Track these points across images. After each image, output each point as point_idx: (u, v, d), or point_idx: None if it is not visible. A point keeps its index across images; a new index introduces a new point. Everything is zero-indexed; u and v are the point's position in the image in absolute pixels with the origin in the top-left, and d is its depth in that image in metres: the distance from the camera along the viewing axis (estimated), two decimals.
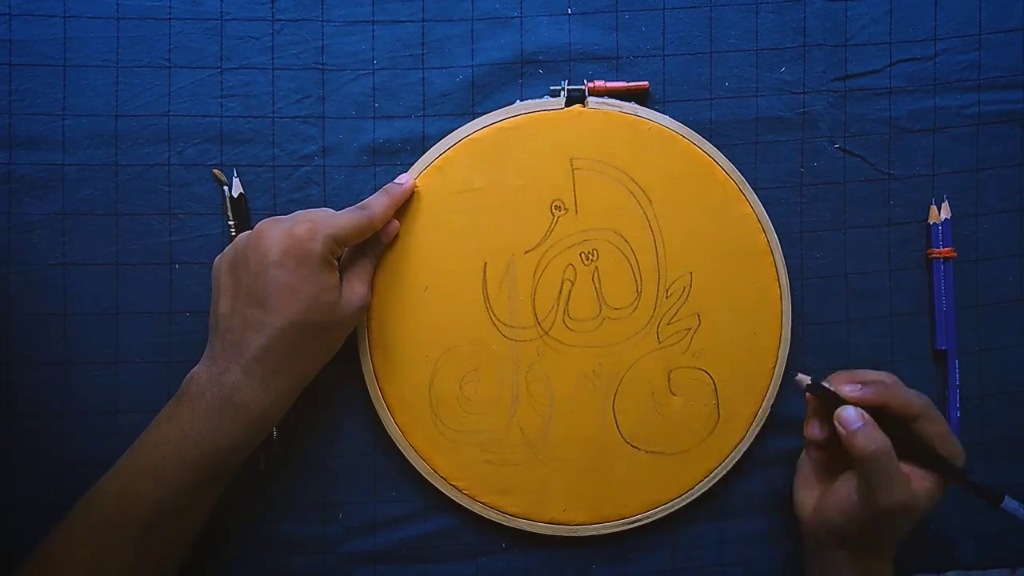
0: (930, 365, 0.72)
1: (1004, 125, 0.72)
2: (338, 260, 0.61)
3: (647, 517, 0.68)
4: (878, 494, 0.58)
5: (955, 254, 0.71)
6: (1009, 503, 0.58)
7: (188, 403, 0.58)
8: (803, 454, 0.67)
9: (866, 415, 0.60)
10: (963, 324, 0.72)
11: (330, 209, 0.63)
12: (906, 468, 0.60)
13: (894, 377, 0.63)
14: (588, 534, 0.68)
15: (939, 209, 0.71)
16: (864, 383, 0.62)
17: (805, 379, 0.63)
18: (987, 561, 0.72)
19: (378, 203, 0.64)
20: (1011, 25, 0.71)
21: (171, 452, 0.57)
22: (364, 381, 0.67)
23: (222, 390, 0.57)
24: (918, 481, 0.60)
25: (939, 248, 0.71)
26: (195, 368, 0.60)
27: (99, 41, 0.67)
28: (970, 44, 0.71)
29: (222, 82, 0.68)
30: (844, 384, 0.62)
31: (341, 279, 0.61)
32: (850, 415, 0.60)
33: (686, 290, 0.68)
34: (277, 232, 0.58)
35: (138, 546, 0.57)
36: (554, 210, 0.67)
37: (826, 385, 0.63)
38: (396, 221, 0.66)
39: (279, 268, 0.57)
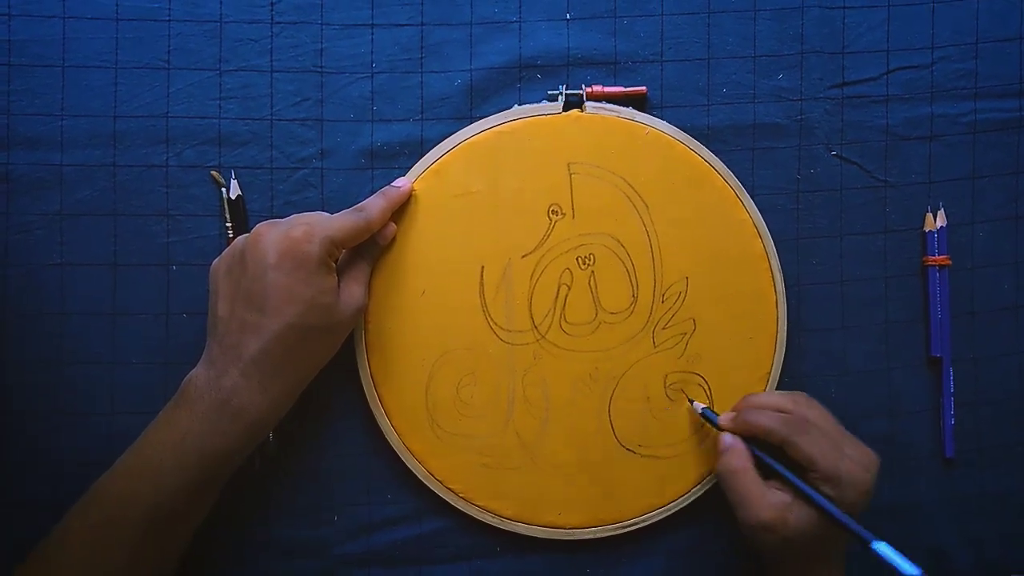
0: (925, 372, 0.72)
1: (1000, 133, 0.72)
2: (336, 263, 0.61)
3: (642, 521, 0.68)
4: (735, 511, 0.61)
5: (950, 262, 0.71)
6: (879, 546, 0.55)
7: (186, 406, 0.58)
8: None
9: (736, 440, 0.63)
10: (958, 332, 0.72)
11: (327, 213, 0.63)
12: (761, 491, 0.60)
13: (796, 399, 0.63)
14: (583, 538, 0.68)
15: (935, 217, 0.71)
16: (748, 409, 0.64)
17: (698, 406, 0.67)
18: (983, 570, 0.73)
19: (375, 206, 0.64)
20: (1008, 34, 0.72)
21: (169, 455, 0.57)
22: (361, 384, 0.67)
23: (220, 393, 0.57)
24: (788, 505, 0.59)
25: (935, 256, 0.71)
26: (193, 371, 0.60)
27: (98, 42, 0.67)
28: (967, 53, 0.71)
29: (221, 84, 0.68)
30: (734, 410, 0.65)
31: (339, 282, 0.61)
32: (722, 439, 0.64)
33: (682, 295, 0.68)
34: (274, 235, 0.58)
35: (135, 548, 0.57)
36: (551, 214, 0.67)
37: (707, 413, 0.66)
38: (393, 224, 0.66)
39: (276, 271, 0.57)
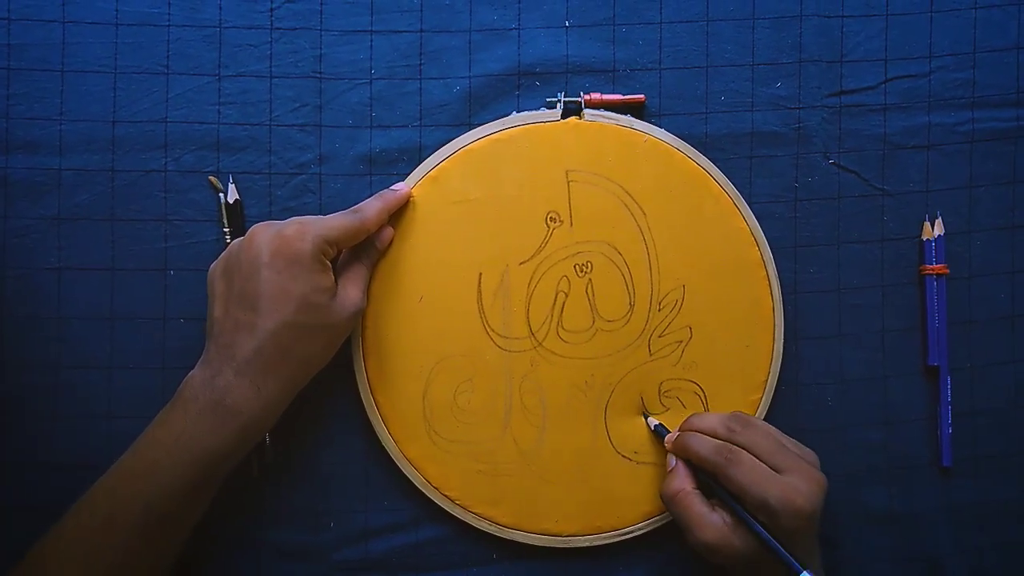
0: (922, 381, 0.72)
1: (997, 143, 0.72)
2: (333, 264, 0.61)
3: (639, 529, 0.68)
4: (682, 533, 0.61)
5: (948, 271, 0.71)
6: None
7: (181, 406, 0.58)
8: None
9: (679, 463, 0.64)
10: (955, 341, 0.72)
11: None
12: (704, 513, 0.60)
13: (731, 423, 0.63)
14: (580, 545, 0.68)
15: (932, 226, 0.71)
16: (685, 432, 0.65)
17: (652, 422, 0.68)
18: None
19: (371, 207, 0.64)
20: (1005, 44, 0.72)
21: (163, 455, 0.57)
22: (358, 390, 0.67)
23: (214, 393, 0.57)
24: (732, 527, 0.59)
25: (932, 264, 0.71)
26: (191, 372, 0.60)
27: (97, 47, 0.67)
28: (964, 62, 0.72)
29: (220, 89, 0.68)
30: (681, 431, 0.66)
31: (336, 283, 0.61)
32: (668, 459, 0.65)
33: (679, 303, 0.68)
34: (268, 234, 0.59)
35: (129, 549, 0.57)
36: (549, 222, 0.67)
37: (659, 430, 0.67)
38: (390, 228, 0.66)
39: (269, 269, 0.57)
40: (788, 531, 0.58)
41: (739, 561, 0.59)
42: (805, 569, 0.56)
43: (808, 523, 0.58)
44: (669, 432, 0.66)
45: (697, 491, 0.62)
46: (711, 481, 0.62)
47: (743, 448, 0.61)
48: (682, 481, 0.63)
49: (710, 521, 0.60)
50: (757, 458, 0.60)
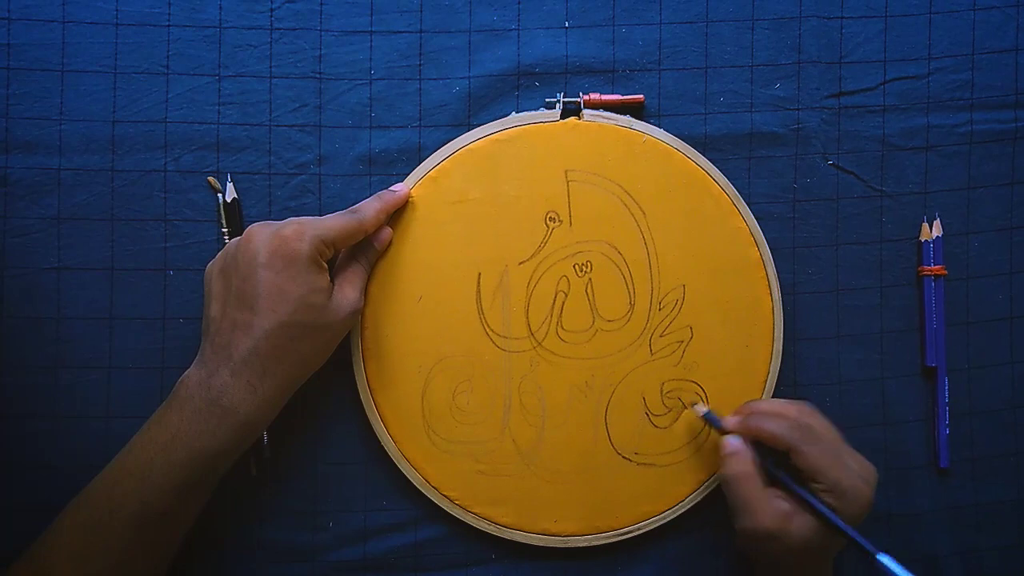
0: (920, 382, 0.72)
1: (996, 144, 0.72)
2: (330, 264, 0.62)
3: (638, 529, 0.68)
4: (735, 517, 0.61)
5: (946, 272, 0.71)
6: (883, 559, 0.56)
7: (177, 405, 0.58)
8: None
9: (741, 444, 0.62)
10: (953, 342, 0.72)
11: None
12: (763, 496, 0.60)
13: (801, 408, 0.63)
14: (579, 545, 0.68)
15: (931, 227, 0.71)
16: (755, 414, 0.63)
17: (700, 409, 0.67)
18: None
19: (369, 207, 0.64)
20: (1004, 46, 0.72)
21: (158, 454, 0.57)
22: (357, 390, 0.67)
23: (210, 393, 0.57)
24: (790, 514, 0.59)
25: (930, 266, 0.71)
26: (187, 371, 0.60)
27: (97, 47, 0.67)
28: (963, 64, 0.72)
29: (220, 89, 0.68)
30: (737, 415, 0.64)
31: (333, 283, 0.61)
32: (726, 442, 0.63)
33: (679, 303, 0.68)
34: (265, 234, 0.59)
35: (125, 548, 0.57)
36: (548, 222, 0.67)
37: (710, 416, 0.66)
38: (389, 228, 0.66)
39: (267, 269, 0.58)
40: (850, 517, 0.58)
41: (787, 552, 0.59)
42: (880, 551, 0.56)
43: (865, 512, 0.59)
44: (721, 418, 0.65)
45: (759, 475, 0.61)
46: (772, 467, 0.61)
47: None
48: (746, 464, 0.62)
49: (772, 506, 0.59)
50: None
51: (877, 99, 0.71)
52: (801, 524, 0.59)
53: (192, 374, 0.59)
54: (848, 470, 0.59)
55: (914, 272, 0.72)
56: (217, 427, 0.57)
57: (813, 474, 0.59)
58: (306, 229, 0.59)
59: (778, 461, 0.62)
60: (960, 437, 0.72)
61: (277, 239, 0.58)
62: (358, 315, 0.64)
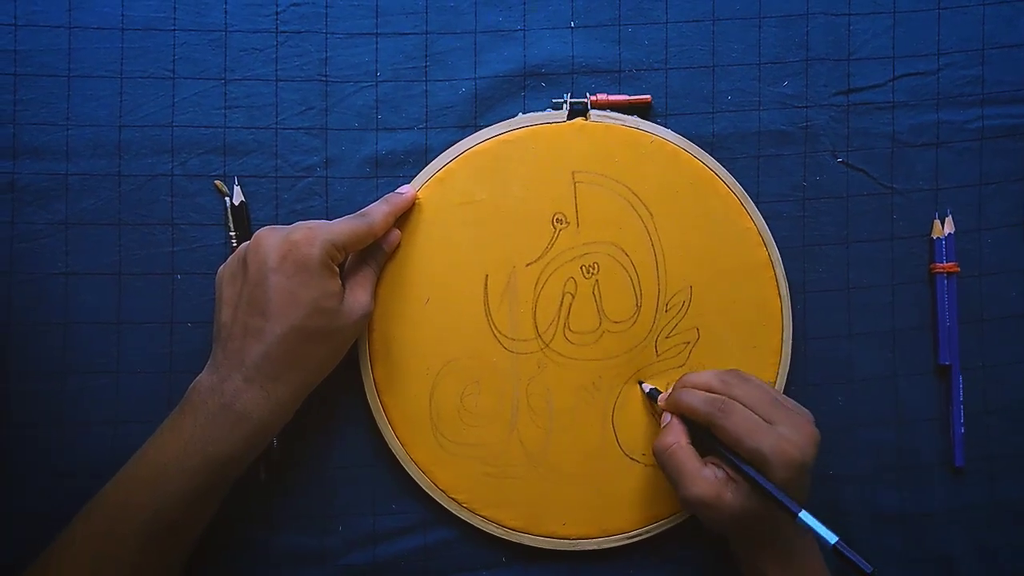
0: (933, 380, 0.72)
1: (1008, 140, 0.71)
2: (340, 268, 0.61)
3: (647, 531, 0.68)
4: (675, 488, 0.60)
5: (958, 269, 0.71)
6: (804, 516, 0.55)
7: (190, 412, 0.58)
8: None
9: (673, 419, 0.63)
10: (966, 339, 0.71)
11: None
12: (697, 468, 0.60)
13: (724, 378, 0.63)
14: (588, 548, 0.67)
15: (942, 224, 0.71)
16: (679, 388, 0.64)
17: (645, 387, 0.68)
18: None
19: (377, 211, 0.64)
20: (1015, 40, 0.71)
21: (171, 460, 0.57)
22: (365, 393, 0.67)
23: (223, 398, 0.57)
24: (724, 481, 0.59)
25: (942, 263, 0.70)
26: (198, 377, 0.60)
27: (103, 52, 0.67)
28: (974, 59, 0.71)
29: (226, 93, 0.68)
30: (677, 387, 0.65)
31: (344, 287, 0.61)
32: (662, 418, 0.64)
33: (686, 304, 0.67)
34: (275, 239, 0.59)
35: (138, 556, 0.57)
36: (555, 223, 0.67)
37: (652, 392, 0.67)
38: (397, 230, 0.66)
39: (278, 274, 0.57)
40: (781, 481, 0.57)
41: (729, 520, 0.59)
42: (803, 510, 0.56)
43: (800, 474, 0.58)
44: (650, 394, 0.66)
45: (690, 446, 0.61)
46: (705, 436, 0.61)
47: (737, 401, 0.61)
48: (676, 436, 0.62)
49: (702, 475, 0.59)
50: (751, 411, 0.60)
51: (886, 95, 0.71)
52: (736, 492, 0.58)
53: (204, 379, 0.59)
54: (770, 435, 0.58)
55: (926, 269, 0.71)
56: (231, 433, 0.57)
57: (731, 445, 0.59)
58: (317, 234, 0.59)
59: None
60: (975, 436, 0.72)
61: (287, 244, 0.58)
62: (369, 318, 0.64)
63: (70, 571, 0.57)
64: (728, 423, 0.59)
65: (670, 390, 0.65)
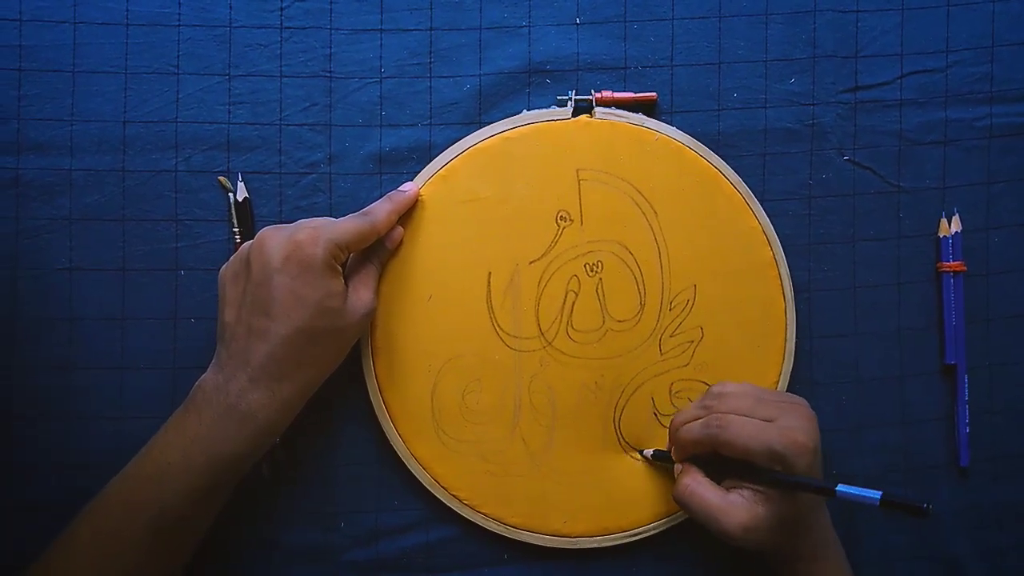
0: (939, 380, 0.71)
1: (1016, 138, 0.71)
2: (343, 267, 0.61)
3: (649, 529, 0.67)
4: (711, 529, 0.59)
5: (965, 268, 0.70)
6: (841, 488, 0.56)
7: (195, 410, 0.58)
8: None
9: (686, 464, 0.63)
10: (973, 339, 0.71)
11: (333, 218, 0.63)
12: (723, 499, 0.59)
13: (704, 401, 0.63)
14: (589, 546, 0.67)
15: (949, 222, 0.70)
16: (676, 431, 0.63)
17: (648, 453, 0.67)
18: None
19: (380, 209, 0.64)
20: None
21: (177, 459, 0.57)
22: (367, 390, 0.67)
23: (228, 398, 0.57)
24: (753, 500, 0.58)
25: (949, 262, 0.70)
26: (203, 376, 0.60)
27: (108, 47, 0.67)
28: (982, 56, 0.71)
29: (230, 89, 0.68)
30: (671, 435, 0.65)
31: (347, 286, 0.61)
32: (675, 470, 0.64)
33: (690, 303, 0.67)
34: (279, 239, 0.59)
35: (142, 553, 0.57)
36: (559, 221, 0.67)
37: (658, 453, 0.67)
38: (400, 228, 0.66)
39: (282, 275, 0.57)
40: (803, 469, 0.57)
41: (772, 532, 0.58)
42: (839, 483, 0.56)
43: (814, 457, 0.58)
44: (663, 450, 0.66)
45: (707, 479, 0.61)
46: (718, 463, 0.61)
47: (729, 413, 0.60)
48: (690, 475, 0.61)
49: (731, 503, 0.59)
50: (746, 417, 0.60)
51: (894, 93, 0.70)
52: (767, 501, 0.58)
53: (209, 379, 0.59)
54: (774, 431, 0.58)
55: (932, 268, 0.71)
56: (236, 432, 0.57)
57: (742, 455, 0.59)
58: (320, 233, 0.59)
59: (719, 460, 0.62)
60: (981, 436, 0.71)
61: (291, 244, 0.58)
62: (372, 316, 0.64)
63: (75, 567, 0.57)
64: (729, 434, 0.59)
65: (669, 443, 0.65)
